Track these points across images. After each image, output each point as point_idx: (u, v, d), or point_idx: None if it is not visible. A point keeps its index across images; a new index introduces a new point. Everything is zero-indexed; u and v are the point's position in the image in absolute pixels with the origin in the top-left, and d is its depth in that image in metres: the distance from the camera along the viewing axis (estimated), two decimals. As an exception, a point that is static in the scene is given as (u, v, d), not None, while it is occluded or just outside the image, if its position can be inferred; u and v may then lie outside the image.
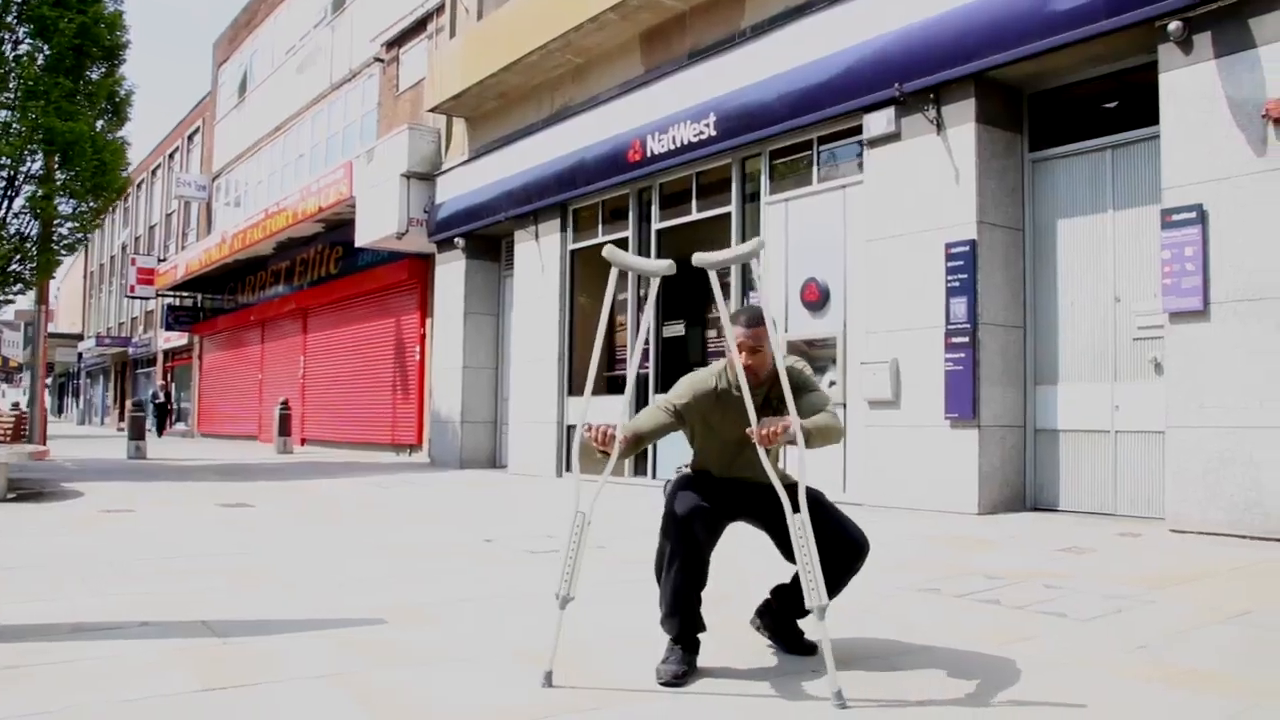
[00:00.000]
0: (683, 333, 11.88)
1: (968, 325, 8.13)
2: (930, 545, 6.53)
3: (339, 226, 20.09)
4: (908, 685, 3.43)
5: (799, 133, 9.80)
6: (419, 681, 3.44)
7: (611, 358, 13.17)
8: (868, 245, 8.96)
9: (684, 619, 3.54)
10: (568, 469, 13.15)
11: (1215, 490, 6.68)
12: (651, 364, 11.90)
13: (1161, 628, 4.29)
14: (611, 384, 12.95)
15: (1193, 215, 6.85)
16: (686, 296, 11.83)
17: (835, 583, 3.58)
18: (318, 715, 3.06)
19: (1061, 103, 8.38)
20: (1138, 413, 7.65)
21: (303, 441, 22.60)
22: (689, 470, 3.85)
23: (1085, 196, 8.12)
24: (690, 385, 3.80)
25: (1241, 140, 6.68)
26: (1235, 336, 6.65)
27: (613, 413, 12.11)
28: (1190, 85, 6.94)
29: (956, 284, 8.22)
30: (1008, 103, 8.45)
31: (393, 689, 3.34)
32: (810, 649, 3.79)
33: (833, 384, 9.29)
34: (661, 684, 3.37)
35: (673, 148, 11.08)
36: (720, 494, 3.66)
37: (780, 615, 3.84)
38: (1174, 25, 6.92)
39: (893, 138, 8.76)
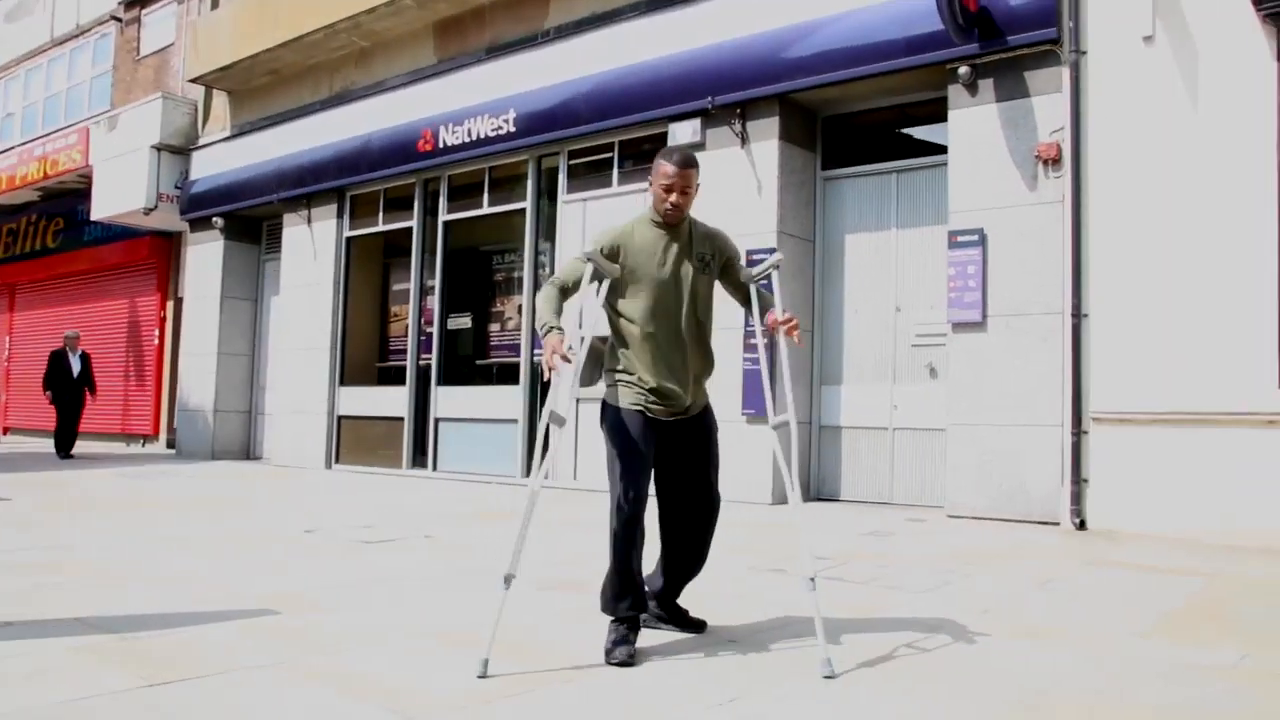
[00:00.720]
0: (468, 325, 11.91)
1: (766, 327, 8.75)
2: (753, 532, 7.02)
3: (61, 196, 18.44)
4: (838, 655, 3.78)
5: (602, 135, 10.13)
6: (371, 666, 3.43)
7: (386, 349, 12.99)
8: (671, 249, 9.42)
9: (635, 599, 3.66)
10: (338, 460, 12.82)
11: (986, 480, 7.61)
12: (434, 355, 11.86)
13: (990, 595, 4.95)
14: (384, 375, 12.79)
15: (975, 238, 7.76)
16: (471, 289, 11.88)
17: (701, 546, 3.85)
18: (307, 704, 3.02)
19: (854, 127, 9.20)
20: (914, 412, 8.54)
21: (5, 430, 20.53)
22: (622, 405, 3.70)
23: (872, 214, 8.95)
24: (605, 233, 3.77)
25: (1017, 175, 7.65)
26: (1006, 345, 7.61)
27: (398, 403, 12.02)
28: (975, 123, 7.86)
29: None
30: (805, 123, 9.17)
31: (356, 675, 3.32)
32: (700, 626, 3.96)
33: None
34: (616, 664, 3.45)
35: (468, 140, 11.11)
36: (650, 451, 3.70)
37: (664, 599, 3.95)
38: (963, 70, 7.82)
39: (697, 147, 9.26)
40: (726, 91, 8.99)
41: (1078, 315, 7.33)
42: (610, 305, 3.76)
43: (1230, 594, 5.13)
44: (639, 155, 10.03)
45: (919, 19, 7.88)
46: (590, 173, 10.49)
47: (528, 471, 10.43)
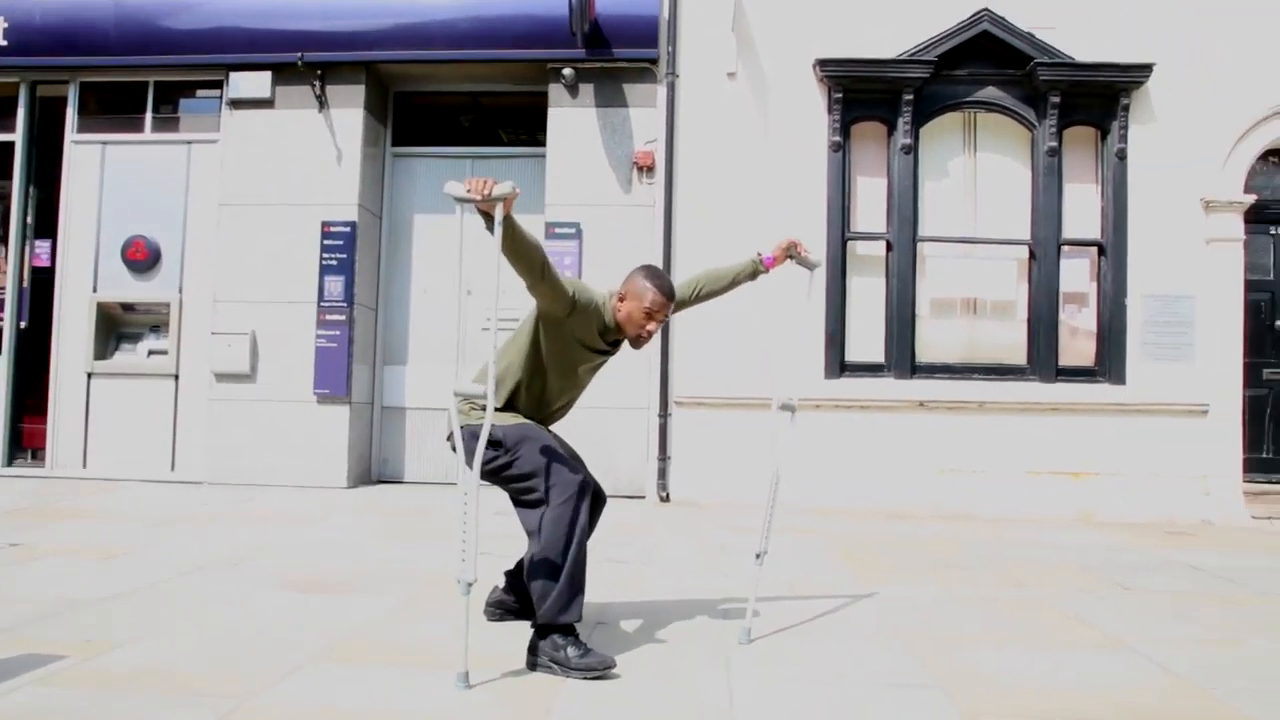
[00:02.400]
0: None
1: (344, 304, 8.31)
2: (390, 519, 6.59)
3: None
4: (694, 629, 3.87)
5: (134, 72, 8.88)
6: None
7: None
8: (221, 210, 8.52)
9: (582, 598, 3.38)
10: None
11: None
12: None
13: (786, 563, 5.32)
14: None
15: (573, 230, 8.21)
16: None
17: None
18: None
19: (439, 108, 9.20)
20: (485, 400, 8.62)
21: None
22: (513, 415, 3.59)
23: (442, 198, 8.94)
24: (589, 294, 3.61)
25: (613, 178, 8.30)
26: (597, 335, 8.10)
27: None
28: (576, 123, 8.38)
29: (334, 263, 8.36)
30: (382, 96, 8.97)
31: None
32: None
33: (155, 354, 8.50)
34: (596, 677, 3.22)
35: (-76, 48, 8.99)
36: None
37: (525, 595, 3.71)
38: (568, 71, 8.32)
39: (265, 103, 8.59)
40: (308, 49, 8.48)
41: (665, 309, 8.08)
42: (540, 331, 3.61)
43: (857, 544, 6.09)
44: (185, 104, 8.97)
45: (529, 14, 8.24)
46: (113, 112, 9.07)
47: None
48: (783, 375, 7.81)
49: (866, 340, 8.38)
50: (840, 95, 8.23)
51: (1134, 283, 8.32)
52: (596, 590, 4.00)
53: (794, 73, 8.32)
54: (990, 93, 8.35)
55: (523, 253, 3.34)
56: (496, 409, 3.46)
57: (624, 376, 8.03)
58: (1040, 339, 8.33)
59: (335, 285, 8.34)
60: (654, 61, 8.33)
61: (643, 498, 7.97)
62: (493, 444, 3.36)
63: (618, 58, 8.31)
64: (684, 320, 8.03)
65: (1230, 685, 3.34)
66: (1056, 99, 8.20)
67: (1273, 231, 8.79)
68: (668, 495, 7.94)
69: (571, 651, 3.27)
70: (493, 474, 3.44)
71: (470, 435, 3.34)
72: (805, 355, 8.16)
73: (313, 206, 8.43)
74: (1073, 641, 3.89)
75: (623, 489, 7.98)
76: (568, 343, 3.58)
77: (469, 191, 3.16)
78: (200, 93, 8.93)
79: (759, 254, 4.06)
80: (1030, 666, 3.51)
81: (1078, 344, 8.48)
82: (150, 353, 8.57)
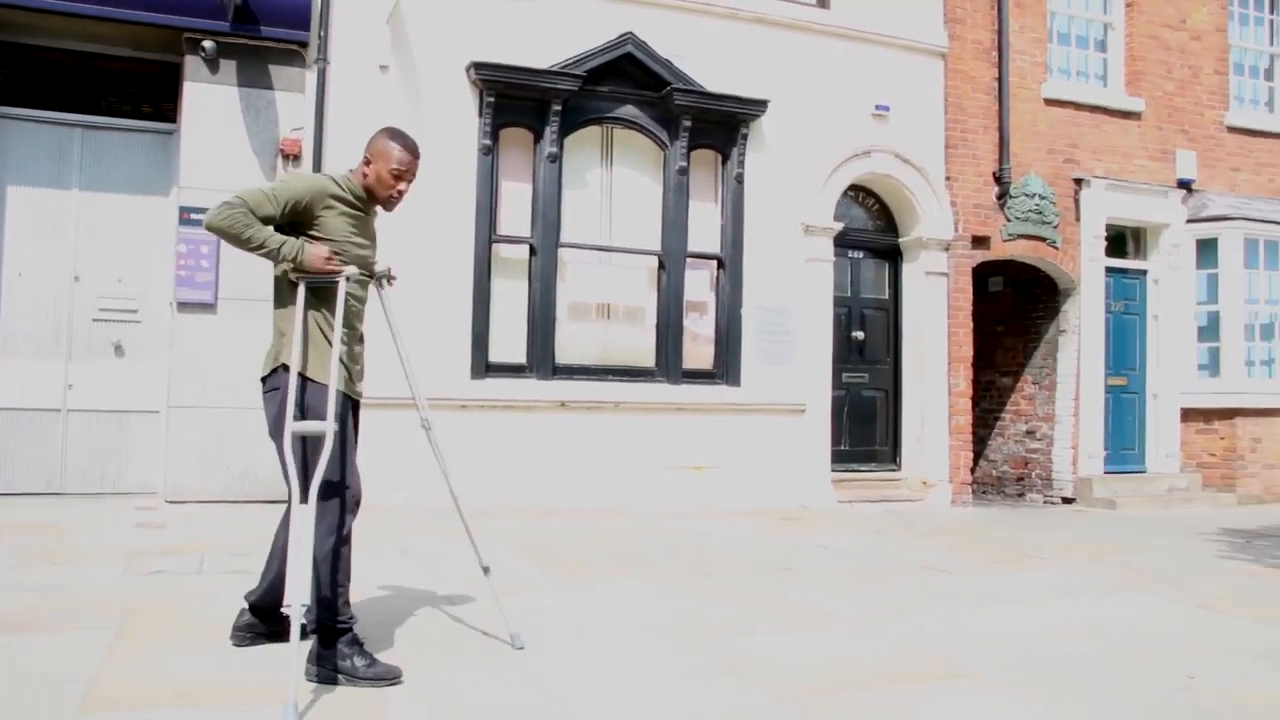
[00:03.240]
0: None
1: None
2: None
3: None
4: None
5: None
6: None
7: None
8: None
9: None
10: None
11: (215, 462, 7.47)
12: None
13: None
14: None
15: (211, 215, 7.65)
16: None
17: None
18: None
19: (42, 65, 8.10)
20: (95, 392, 7.83)
21: None
22: (319, 379, 3.45)
23: (47, 169, 7.97)
24: (303, 182, 3.56)
25: (256, 163, 7.87)
26: (238, 329, 7.65)
27: None
28: (215, 100, 7.84)
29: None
30: (-32, 50, 7.82)
31: None
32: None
33: None
34: (390, 683, 3.26)
35: None
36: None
37: (269, 616, 3.70)
38: (208, 44, 7.75)
39: None
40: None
41: (313, 304, 7.79)
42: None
43: (538, 544, 6.33)
44: None
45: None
46: None
47: None
48: (424, 376, 7.85)
49: (510, 341, 8.61)
50: (492, 100, 8.39)
51: (748, 294, 9.27)
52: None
53: (448, 73, 8.36)
54: (630, 111, 8.92)
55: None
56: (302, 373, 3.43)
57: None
58: (668, 343, 9.03)
59: (-92, 263, 7.14)
60: (304, 45, 7.99)
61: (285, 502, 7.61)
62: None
63: (265, 36, 7.88)
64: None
65: (936, 642, 3.97)
66: (688, 123, 8.95)
67: (850, 255, 10.18)
68: (316, 498, 7.66)
69: (359, 661, 3.20)
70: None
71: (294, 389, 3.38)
72: (451, 355, 8.22)
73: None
74: (802, 622, 4.38)
75: (265, 494, 7.57)
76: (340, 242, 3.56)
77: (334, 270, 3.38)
78: None
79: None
80: (789, 648, 3.92)
81: (699, 349, 9.29)
82: None
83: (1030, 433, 11.03)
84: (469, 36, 8.39)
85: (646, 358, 9.08)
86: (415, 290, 8.03)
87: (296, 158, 7.91)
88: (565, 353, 8.80)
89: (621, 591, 4.94)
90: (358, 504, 3.41)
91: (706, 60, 9.08)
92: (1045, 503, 10.69)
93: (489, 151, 8.45)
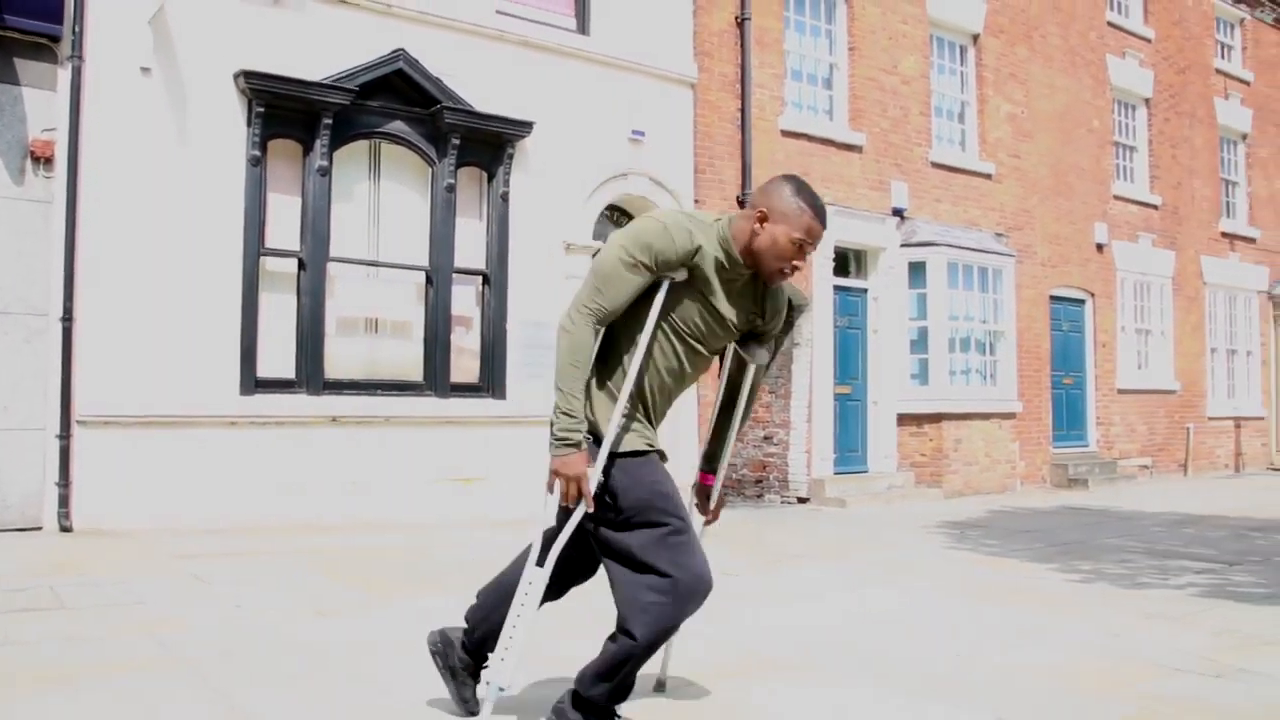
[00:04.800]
0: None
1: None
2: None
3: None
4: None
5: None
6: None
7: None
8: None
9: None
10: None
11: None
12: None
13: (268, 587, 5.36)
14: None
15: (-49, 220, 7.19)
16: None
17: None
18: None
19: None
20: None
21: None
22: (632, 447, 2.94)
23: None
24: (675, 230, 2.87)
25: (2, 164, 7.45)
26: (-17, 343, 7.23)
27: None
28: (-46, 97, 7.36)
29: None
30: None
31: None
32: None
33: None
34: None
35: None
36: None
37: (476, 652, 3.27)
38: (-55, 34, 7.30)
39: None
40: None
41: (69, 318, 7.49)
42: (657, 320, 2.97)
43: (325, 561, 6.46)
44: None
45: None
46: None
47: None
48: (189, 391, 7.73)
49: (280, 356, 8.56)
50: (262, 110, 8.33)
51: (513, 309, 9.65)
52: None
53: (216, 80, 8.21)
54: (400, 127, 9.09)
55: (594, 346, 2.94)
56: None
57: (10, 394, 7.27)
58: (436, 357, 9.25)
59: None
60: (56, 39, 7.64)
61: (39, 528, 7.25)
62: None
63: (10, 26, 7.46)
64: (92, 325, 7.52)
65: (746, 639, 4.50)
66: (456, 141, 9.21)
67: (607, 272, 10.76)
68: (70, 525, 7.32)
69: None
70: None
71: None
72: (219, 371, 8.09)
73: None
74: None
75: (13, 521, 7.19)
76: (695, 317, 2.99)
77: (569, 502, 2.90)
78: None
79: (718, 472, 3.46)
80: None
81: (466, 362, 9.57)
82: None
83: (768, 438, 12.02)
84: (238, 44, 8.28)
85: (415, 371, 9.26)
86: (180, 303, 7.88)
87: (49, 160, 7.56)
88: (335, 367, 8.84)
89: (429, 609, 5.13)
90: (692, 584, 2.88)
91: (476, 80, 9.38)
92: (783, 503, 11.70)
93: (258, 162, 8.38)
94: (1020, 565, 7.24)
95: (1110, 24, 16.04)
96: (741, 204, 11.17)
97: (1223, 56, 18.45)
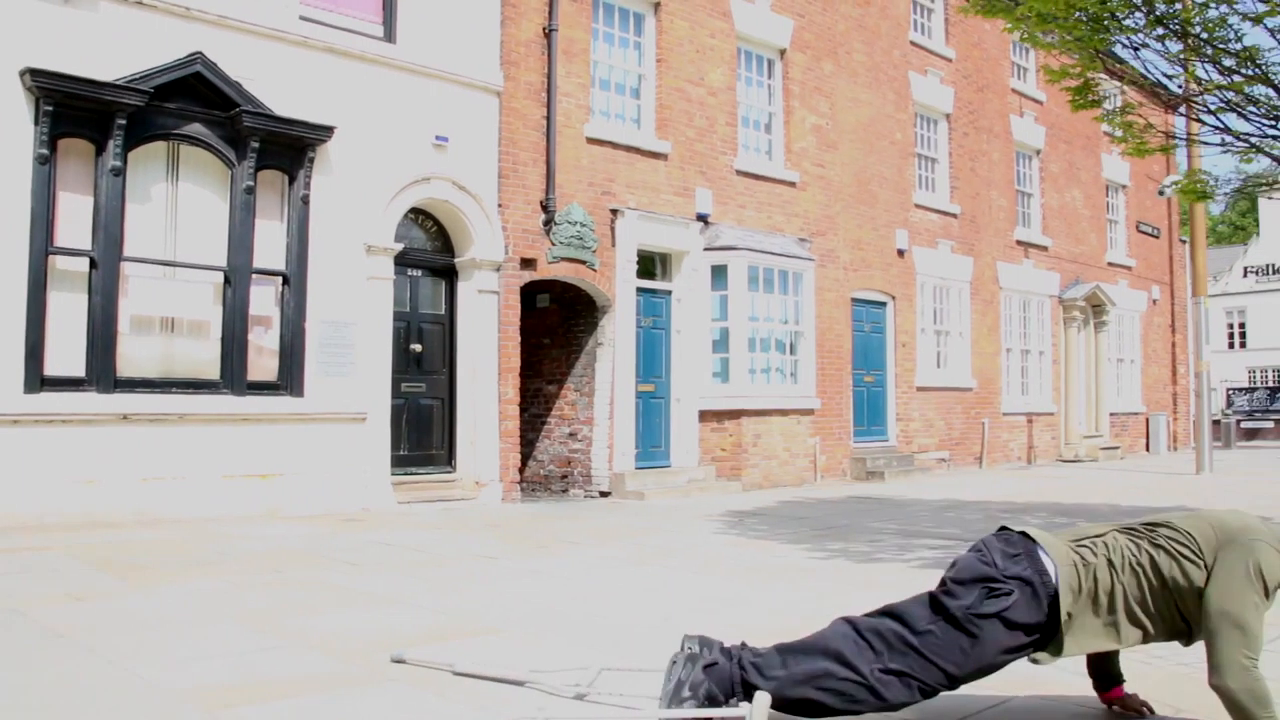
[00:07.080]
0: None
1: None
2: None
3: None
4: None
5: None
6: None
7: None
8: None
9: None
10: None
11: None
12: None
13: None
14: None
15: None
16: None
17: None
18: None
19: None
20: None
21: None
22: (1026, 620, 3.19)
23: None
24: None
25: None
26: None
27: None
28: None
29: None
30: None
31: None
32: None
33: None
34: None
35: None
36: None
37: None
38: None
39: None
40: None
41: None
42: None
43: (106, 555, 6.80)
44: None
45: None
46: None
47: None
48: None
49: (69, 355, 8.76)
50: (51, 109, 8.51)
51: (312, 309, 10.04)
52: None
53: (1, 77, 8.37)
54: (198, 129, 9.37)
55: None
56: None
57: None
58: (233, 357, 9.58)
59: None
60: None
61: None
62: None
63: None
64: None
65: (476, 611, 5.10)
66: (256, 144, 9.55)
67: (410, 273, 11.24)
68: None
69: None
70: None
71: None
72: (2, 369, 8.27)
73: None
74: (365, 603, 5.32)
75: None
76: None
77: None
78: None
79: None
80: (352, 622, 4.86)
81: (264, 361, 9.92)
82: None
83: (573, 435, 12.69)
84: (26, 41, 8.44)
85: (212, 370, 9.57)
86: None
87: None
88: (128, 366, 9.08)
89: (197, 590, 5.64)
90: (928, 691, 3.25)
91: (278, 84, 9.73)
92: (586, 497, 12.39)
93: (46, 161, 8.56)
94: (776, 546, 8.03)
95: (913, 43, 17.27)
96: (545, 207, 11.77)
97: (1018, 77, 20.00)
